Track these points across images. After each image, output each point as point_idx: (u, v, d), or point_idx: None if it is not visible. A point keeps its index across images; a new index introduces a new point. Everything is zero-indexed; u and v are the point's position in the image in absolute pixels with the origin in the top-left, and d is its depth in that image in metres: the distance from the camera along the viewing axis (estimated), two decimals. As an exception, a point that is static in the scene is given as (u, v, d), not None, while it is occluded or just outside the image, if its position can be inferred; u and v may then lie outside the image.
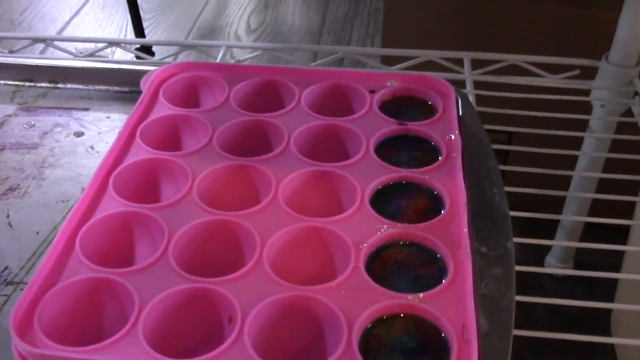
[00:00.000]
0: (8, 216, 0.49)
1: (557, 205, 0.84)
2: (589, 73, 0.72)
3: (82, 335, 0.38)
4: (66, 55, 0.77)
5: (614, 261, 0.81)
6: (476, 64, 0.72)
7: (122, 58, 1.31)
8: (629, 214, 0.70)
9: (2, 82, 0.65)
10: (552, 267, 0.88)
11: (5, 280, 0.44)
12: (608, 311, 0.82)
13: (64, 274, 0.41)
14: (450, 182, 0.47)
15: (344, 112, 0.55)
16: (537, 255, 0.89)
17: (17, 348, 0.36)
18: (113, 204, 0.46)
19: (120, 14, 1.61)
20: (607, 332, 0.81)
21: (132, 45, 0.85)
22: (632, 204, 0.74)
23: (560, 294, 0.85)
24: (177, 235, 0.43)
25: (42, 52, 0.80)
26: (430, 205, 0.46)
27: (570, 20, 0.79)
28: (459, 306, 0.38)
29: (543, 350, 0.78)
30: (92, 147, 0.55)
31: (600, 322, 0.81)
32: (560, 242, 0.85)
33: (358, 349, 0.36)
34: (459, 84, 0.61)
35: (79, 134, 0.57)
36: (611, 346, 0.79)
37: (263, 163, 0.49)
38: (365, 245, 0.42)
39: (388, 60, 0.80)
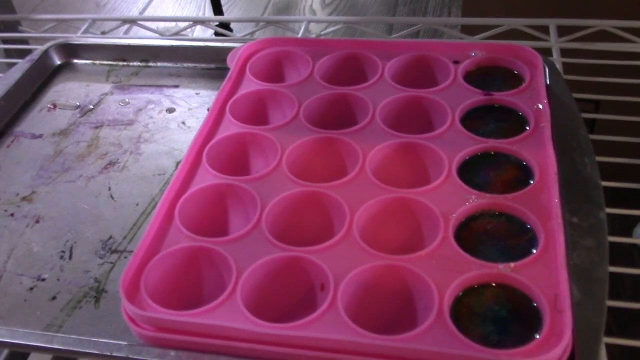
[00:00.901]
0: (109, 189, 0.52)
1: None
2: (684, 37, 0.68)
3: (184, 300, 0.41)
4: (153, 34, 0.80)
5: None
6: (562, 31, 0.70)
7: (202, 35, 1.35)
8: None
9: (97, 62, 0.68)
10: (642, 239, 0.86)
11: (110, 248, 0.47)
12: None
13: (166, 243, 0.43)
14: (539, 152, 0.47)
15: (428, 83, 0.55)
16: (624, 226, 0.87)
17: (126, 311, 0.39)
18: (207, 177, 0.48)
19: (198, -8, 1.64)
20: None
21: (212, 23, 0.87)
22: None
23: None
24: (269, 206, 0.45)
25: (127, 32, 0.83)
26: (519, 175, 0.46)
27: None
28: (551, 276, 0.38)
29: (630, 323, 0.76)
30: (183, 123, 0.58)
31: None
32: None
33: (449, 317, 0.37)
34: (545, 52, 0.60)
35: (170, 110, 0.60)
36: None
37: (349, 135, 0.50)
38: (454, 215, 0.43)
39: (469, 30, 0.79)
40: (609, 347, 0.39)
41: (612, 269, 0.43)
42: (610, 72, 0.66)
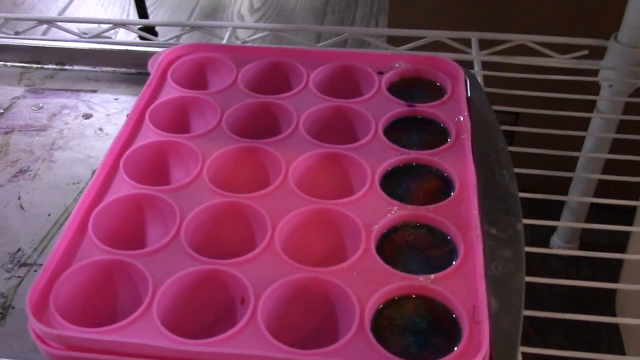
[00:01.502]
0: (19, 198, 0.50)
1: (563, 186, 0.84)
2: (597, 53, 0.71)
3: (96, 316, 0.39)
4: (71, 36, 0.77)
5: (619, 242, 0.81)
6: (484, 44, 0.72)
7: (125, 39, 1.31)
8: (635, 195, 0.70)
9: (9, 63, 0.65)
10: (558, 247, 0.89)
11: (18, 261, 0.45)
12: (613, 292, 0.82)
13: (78, 256, 0.41)
14: (459, 164, 0.47)
15: (352, 93, 0.55)
16: (543, 236, 0.90)
17: (33, 329, 0.36)
18: (124, 187, 0.46)
19: (122, -6, 1.60)
20: (611, 313, 0.81)
21: (135, 26, 0.84)
22: (639, 185, 0.74)
23: (565, 275, 0.86)
24: (188, 217, 0.43)
25: (45, 33, 0.79)
26: (440, 187, 0.46)
27: (579, 0, 0.79)
28: (469, 287, 0.39)
29: (548, 330, 0.79)
30: (100, 129, 0.56)
31: (605, 302, 0.81)
32: (566, 223, 0.86)
33: (370, 329, 0.36)
34: (467, 65, 0.61)
35: (87, 116, 0.58)
36: (615, 326, 0.80)
37: (272, 145, 0.49)
38: (376, 227, 0.42)
39: (394, 41, 0.80)
40: (526, 356, 0.40)
41: (530, 279, 0.44)
42: (529, 86, 0.68)
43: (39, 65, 0.64)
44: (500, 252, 0.42)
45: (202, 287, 0.40)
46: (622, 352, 0.77)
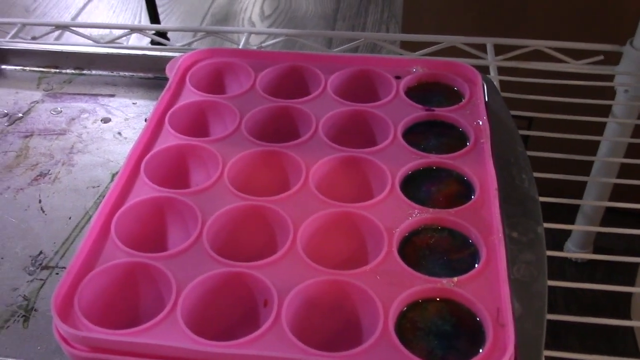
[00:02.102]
0: (40, 201, 0.50)
1: (577, 191, 0.84)
2: (612, 58, 0.71)
3: (119, 319, 0.39)
4: (87, 41, 0.77)
5: (634, 247, 0.81)
6: (499, 50, 0.72)
7: (137, 44, 1.32)
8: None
9: (27, 68, 0.65)
10: (572, 252, 0.88)
11: (40, 264, 0.45)
12: (628, 297, 0.82)
13: (101, 259, 0.41)
14: (479, 168, 0.47)
15: (370, 98, 0.55)
16: (557, 241, 0.89)
17: (58, 330, 0.37)
18: (145, 190, 0.46)
19: (134, 0, 1.61)
20: (626, 317, 0.81)
21: (150, 32, 0.85)
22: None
23: (579, 280, 0.86)
24: (210, 220, 0.43)
25: (58, 38, 0.80)
26: (460, 190, 0.46)
27: (594, 5, 0.79)
28: (492, 290, 0.39)
29: (563, 334, 0.78)
30: (119, 133, 0.56)
31: (620, 307, 0.81)
32: (580, 227, 0.86)
33: (394, 332, 0.36)
34: (482, 70, 0.61)
35: (105, 120, 0.58)
36: (631, 330, 0.79)
37: (292, 149, 0.49)
38: (397, 230, 0.43)
39: (408, 46, 0.80)
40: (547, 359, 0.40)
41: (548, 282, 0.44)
42: (543, 91, 0.68)
43: (57, 70, 0.65)
44: (521, 255, 0.42)
45: (225, 289, 0.40)
46: (637, 357, 0.77)
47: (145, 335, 0.36)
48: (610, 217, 0.83)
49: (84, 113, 0.59)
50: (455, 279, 0.39)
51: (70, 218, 0.49)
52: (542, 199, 0.53)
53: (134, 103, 0.61)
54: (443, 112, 0.53)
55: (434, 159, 0.48)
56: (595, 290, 0.82)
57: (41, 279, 0.44)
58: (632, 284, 0.82)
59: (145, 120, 0.52)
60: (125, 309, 0.40)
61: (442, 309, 0.38)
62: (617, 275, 0.85)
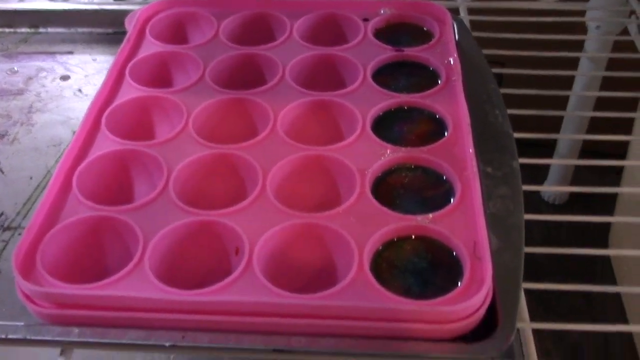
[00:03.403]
0: (-1, 163, 0.48)
1: (554, 130, 0.83)
2: (583, -6, 0.70)
3: (89, 275, 0.37)
4: None
5: (611, 184, 0.81)
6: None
7: None
8: (627, 133, 0.69)
9: (-21, 29, 0.63)
10: (548, 196, 0.88)
11: (2, 226, 0.43)
12: (605, 233, 0.82)
13: (63, 215, 0.39)
14: (452, 105, 0.46)
15: (338, 41, 0.54)
16: (534, 183, 0.89)
17: (21, 288, 0.35)
18: (107, 143, 0.44)
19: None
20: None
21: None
22: (630, 123, 0.73)
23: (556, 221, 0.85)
24: (176, 170, 0.42)
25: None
26: (432, 129, 0.45)
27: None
28: (468, 225, 0.38)
29: (540, 269, 0.78)
30: (79, 90, 0.54)
31: (598, 242, 0.81)
32: (557, 161, 0.85)
33: (370, 271, 0.35)
34: (452, 12, 0.60)
35: (65, 78, 0.56)
36: (608, 262, 0.79)
37: (259, 95, 0.48)
38: (369, 170, 0.41)
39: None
40: (526, 291, 0.39)
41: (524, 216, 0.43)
42: (515, 29, 0.67)
43: (12, 30, 0.62)
44: (497, 190, 0.41)
45: (195, 239, 0.39)
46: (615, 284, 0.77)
47: (112, 288, 0.35)
48: (586, 158, 0.83)
49: (41, 72, 0.57)
50: (431, 215, 0.38)
51: (31, 178, 0.47)
52: (518, 135, 0.52)
53: (93, 59, 0.58)
54: (413, 52, 0.52)
55: (405, 98, 0.47)
56: (573, 227, 0.82)
57: (4, 241, 0.42)
58: (609, 223, 0.82)
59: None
60: (93, 265, 0.39)
61: (418, 246, 0.37)
62: (594, 211, 0.85)
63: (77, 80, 0.56)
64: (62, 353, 0.36)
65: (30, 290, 0.35)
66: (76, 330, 0.34)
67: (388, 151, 0.43)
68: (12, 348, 0.42)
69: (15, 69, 0.57)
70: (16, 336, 0.35)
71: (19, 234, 0.43)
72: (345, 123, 0.47)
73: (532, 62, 0.64)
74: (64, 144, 0.50)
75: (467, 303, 0.33)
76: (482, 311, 0.34)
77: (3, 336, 0.35)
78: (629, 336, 0.73)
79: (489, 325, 0.34)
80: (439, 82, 0.49)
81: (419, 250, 0.37)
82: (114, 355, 0.45)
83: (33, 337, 0.35)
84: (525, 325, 0.37)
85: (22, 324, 0.35)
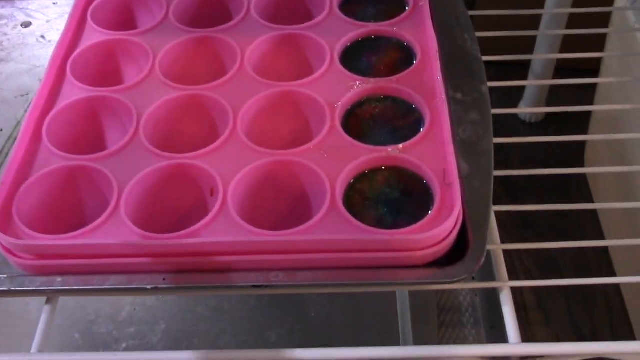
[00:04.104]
0: (-34, 116, 0.47)
1: (528, 51, 0.83)
2: None
3: (66, 225, 0.38)
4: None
5: (584, 103, 0.81)
6: None
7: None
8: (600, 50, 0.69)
9: None
10: (524, 115, 0.89)
11: (-24, 180, 0.43)
12: (582, 149, 0.83)
13: (36, 166, 0.40)
14: (419, 32, 0.46)
15: (303, -28, 0.52)
16: (510, 103, 0.89)
17: (0, 242, 0.36)
18: (75, 91, 0.44)
19: None
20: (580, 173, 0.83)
21: None
22: (603, 39, 0.73)
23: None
24: (145, 114, 0.42)
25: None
26: (401, 57, 0.45)
27: None
28: (438, 153, 0.38)
29: (519, 192, 0.80)
30: (42, 37, 0.53)
31: (575, 158, 0.82)
32: (532, 82, 0.85)
33: (342, 204, 0.36)
34: None
35: (26, 25, 0.54)
36: (585, 180, 0.81)
37: (225, 32, 0.47)
38: (339, 103, 0.41)
39: None
40: (498, 215, 0.40)
41: (500, 139, 0.44)
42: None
43: (-33, -23, 0.60)
44: (467, 116, 0.42)
45: (170, 183, 0.39)
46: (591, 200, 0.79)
47: (90, 237, 0.36)
48: (560, 76, 0.83)
49: (1, 19, 0.55)
50: (401, 145, 0.39)
51: (1, 130, 0.46)
52: (491, 58, 0.52)
53: (54, 3, 0.57)
54: (379, -21, 0.51)
55: (372, 27, 0.47)
56: (549, 145, 0.83)
57: (-21, 196, 0.42)
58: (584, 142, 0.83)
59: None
60: (70, 215, 0.39)
61: (389, 177, 0.38)
62: (569, 131, 0.86)
63: (39, 27, 0.55)
64: (47, 301, 0.36)
65: (9, 243, 0.35)
66: (59, 279, 0.35)
67: (357, 83, 0.43)
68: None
69: (-26, 18, 0.56)
70: (0, 288, 0.36)
71: (-6, 188, 0.43)
72: (313, 56, 0.46)
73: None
74: (32, 94, 0.49)
75: (437, 230, 0.34)
76: (453, 237, 0.35)
77: (-13, 289, 0.36)
78: (604, 249, 0.75)
79: (462, 250, 0.35)
80: (407, 8, 0.48)
81: (390, 181, 0.38)
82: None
83: (17, 288, 0.35)
84: (496, 247, 0.38)
85: (4, 276, 0.36)
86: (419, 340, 0.56)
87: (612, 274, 0.74)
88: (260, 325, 0.75)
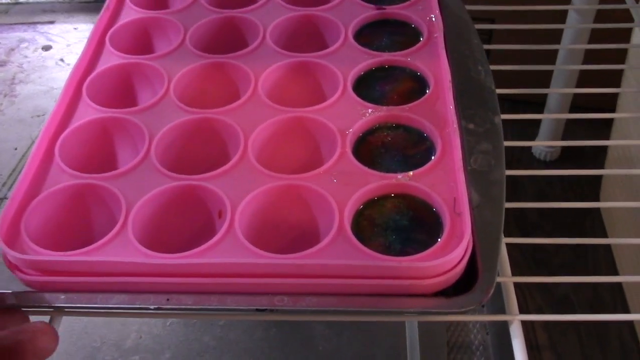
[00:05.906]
0: (-17, 135, 0.48)
1: (544, 87, 0.83)
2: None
3: (74, 242, 0.38)
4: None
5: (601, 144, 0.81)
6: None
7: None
8: (616, 86, 0.69)
9: (-41, 1, 0.62)
10: (539, 152, 0.88)
11: (-12, 197, 0.43)
12: (597, 189, 0.82)
13: (47, 183, 0.40)
14: (433, 62, 0.46)
15: (319, 2, 0.53)
16: (525, 132, 0.89)
17: (7, 257, 0.36)
18: (89, 112, 0.44)
19: None
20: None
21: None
22: (619, 75, 0.73)
23: (548, 176, 0.85)
24: (158, 136, 0.42)
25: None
26: (414, 87, 0.45)
27: None
28: (449, 181, 0.38)
29: (532, 229, 0.79)
30: (62, 60, 0.53)
31: (590, 198, 0.81)
32: (546, 116, 0.85)
33: (351, 230, 0.36)
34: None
35: (46, 48, 0.55)
36: (599, 217, 0.80)
37: (240, 59, 0.48)
38: (350, 130, 0.41)
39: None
40: (510, 252, 0.40)
41: (513, 172, 0.43)
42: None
43: (-9, 1, 0.61)
44: (478, 145, 0.41)
45: (178, 204, 0.39)
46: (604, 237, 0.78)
47: (96, 254, 0.36)
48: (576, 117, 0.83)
49: (23, 42, 0.56)
50: (411, 173, 0.39)
51: (16, 149, 0.47)
52: (505, 91, 0.52)
53: (75, 28, 0.58)
54: (394, 10, 0.51)
55: (386, 57, 0.47)
56: (565, 183, 0.82)
57: (-10, 212, 0.42)
58: (600, 178, 0.82)
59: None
60: (77, 233, 0.39)
61: (399, 204, 0.38)
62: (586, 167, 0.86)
63: (59, 50, 0.56)
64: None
65: (16, 258, 0.35)
66: (62, 296, 0.35)
67: (369, 110, 0.43)
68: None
69: (-3, 40, 0.57)
70: (4, 304, 0.35)
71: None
72: (327, 84, 0.46)
73: (521, 17, 0.63)
74: (48, 114, 0.49)
75: (446, 258, 0.33)
76: (462, 266, 0.34)
77: (-8, 304, 0.35)
78: (619, 287, 0.74)
79: (472, 280, 0.35)
80: (421, 39, 0.48)
81: (400, 208, 0.38)
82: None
83: (21, 304, 0.35)
84: (507, 279, 0.37)
85: (10, 291, 0.36)
86: (427, 376, 0.54)
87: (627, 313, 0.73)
88: (267, 358, 0.74)
